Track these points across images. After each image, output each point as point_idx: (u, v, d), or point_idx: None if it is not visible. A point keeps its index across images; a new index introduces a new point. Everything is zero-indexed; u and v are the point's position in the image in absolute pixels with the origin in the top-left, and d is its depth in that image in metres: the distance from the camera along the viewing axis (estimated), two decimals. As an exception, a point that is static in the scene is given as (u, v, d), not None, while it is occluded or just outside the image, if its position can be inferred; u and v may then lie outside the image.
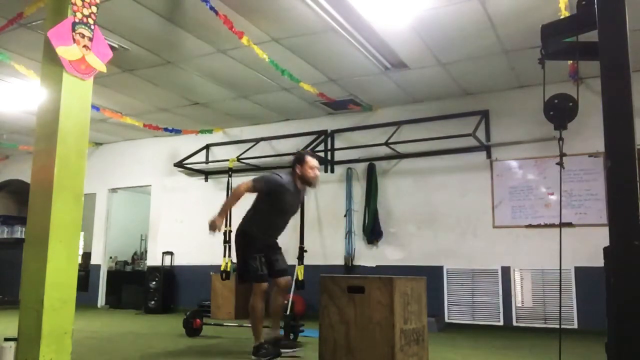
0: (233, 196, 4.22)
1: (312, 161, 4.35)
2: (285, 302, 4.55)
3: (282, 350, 4.19)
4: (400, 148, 7.21)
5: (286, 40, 5.54)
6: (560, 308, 6.15)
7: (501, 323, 6.52)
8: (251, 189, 4.18)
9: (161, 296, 8.54)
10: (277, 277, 4.32)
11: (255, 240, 4.24)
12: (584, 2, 2.50)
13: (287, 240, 7.80)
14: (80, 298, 3.50)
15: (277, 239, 4.50)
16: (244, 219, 4.36)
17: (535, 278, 6.45)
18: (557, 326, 6.05)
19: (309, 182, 4.36)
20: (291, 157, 7.64)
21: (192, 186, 9.07)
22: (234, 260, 6.85)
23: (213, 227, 4.14)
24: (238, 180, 8.10)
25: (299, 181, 4.35)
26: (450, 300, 6.86)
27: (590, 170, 6.30)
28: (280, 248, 4.49)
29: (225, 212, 4.22)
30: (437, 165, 7.21)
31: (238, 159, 7.93)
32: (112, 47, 5.36)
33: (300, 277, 6.29)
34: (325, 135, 7.96)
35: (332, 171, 7.92)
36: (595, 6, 2.19)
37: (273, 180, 4.24)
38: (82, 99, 3.29)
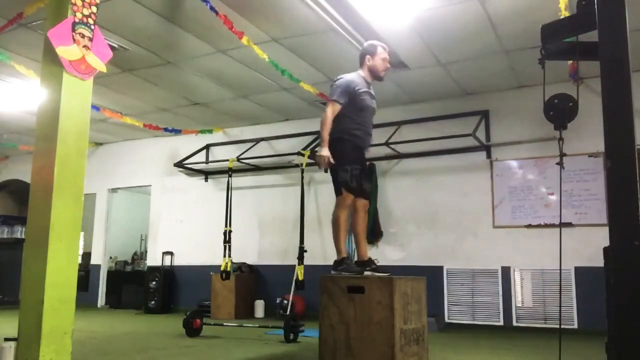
0: (326, 122, 3.86)
1: (383, 52, 4.07)
2: (364, 225, 4.21)
3: (367, 270, 3.89)
4: (400, 148, 7.21)
5: (286, 40, 5.54)
6: (560, 308, 6.15)
7: (501, 323, 6.52)
8: (338, 109, 3.89)
9: (161, 296, 8.54)
10: (360, 197, 4.02)
11: (349, 146, 3.92)
12: (584, 2, 2.50)
13: (287, 240, 7.89)
14: (80, 298, 3.50)
15: (370, 141, 4.17)
16: (333, 129, 3.94)
17: (535, 278, 6.45)
18: (557, 326, 6.05)
19: (378, 76, 4.09)
20: (291, 157, 7.73)
21: (192, 186, 9.07)
22: (234, 260, 6.90)
23: (324, 161, 3.84)
24: (238, 180, 8.17)
25: (368, 75, 4.07)
26: (450, 300, 6.86)
27: (590, 170, 6.30)
28: (366, 172, 4.18)
29: (326, 142, 3.84)
30: (437, 165, 7.21)
31: (238, 159, 7.93)
32: (112, 47, 5.37)
33: (300, 277, 6.29)
34: (325, 135, 7.95)
35: (332, 171, 7.91)
36: (595, 6, 2.19)
37: (348, 85, 3.93)
38: (82, 99, 3.29)
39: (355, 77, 4.01)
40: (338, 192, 3.95)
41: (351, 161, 3.92)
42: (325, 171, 4.05)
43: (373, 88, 4.22)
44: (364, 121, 4.03)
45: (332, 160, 3.86)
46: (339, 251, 3.92)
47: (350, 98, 3.92)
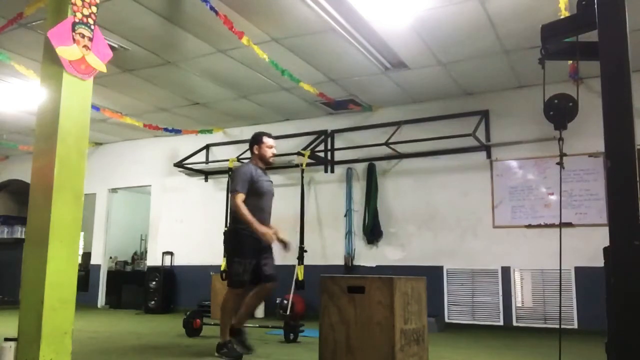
0: (242, 210, 4.16)
1: (268, 140, 4.46)
2: (256, 307, 4.54)
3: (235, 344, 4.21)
4: (400, 148, 7.21)
5: (286, 40, 5.54)
6: (560, 308, 6.15)
7: (501, 323, 6.52)
8: (242, 196, 4.20)
9: (161, 296, 8.54)
10: (261, 282, 4.28)
11: (245, 241, 4.18)
12: (584, 2, 2.50)
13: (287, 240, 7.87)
14: (80, 298, 3.50)
15: (268, 226, 4.39)
16: (232, 217, 4.35)
17: (535, 278, 6.45)
18: (557, 326, 6.05)
19: (267, 161, 4.46)
20: (291, 157, 7.73)
21: (192, 186, 9.07)
22: (227, 259, 6.89)
23: (269, 237, 4.17)
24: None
25: (259, 162, 4.44)
26: (450, 300, 6.86)
27: (590, 170, 6.30)
28: (271, 250, 4.40)
29: (254, 223, 4.14)
30: (437, 165, 7.21)
31: (238, 159, 7.93)
32: (112, 47, 5.37)
33: (300, 277, 6.30)
34: (325, 135, 7.97)
35: (332, 171, 7.93)
36: (595, 6, 2.19)
37: (245, 172, 4.28)
38: (82, 99, 3.28)
39: (251, 167, 4.35)
40: (230, 284, 4.23)
41: (246, 255, 4.18)
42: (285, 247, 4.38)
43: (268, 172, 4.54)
44: (263, 205, 4.35)
45: (277, 234, 4.26)
46: (222, 335, 4.17)
47: (249, 187, 4.23)
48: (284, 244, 4.39)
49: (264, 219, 4.35)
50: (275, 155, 4.54)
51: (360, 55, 5.80)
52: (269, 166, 4.54)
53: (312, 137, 7.92)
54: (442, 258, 6.98)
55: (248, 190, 4.23)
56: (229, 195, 4.35)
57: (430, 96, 7.23)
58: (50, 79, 3.22)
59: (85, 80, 3.27)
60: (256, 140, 4.46)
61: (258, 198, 4.28)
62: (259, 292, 4.32)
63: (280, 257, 8.37)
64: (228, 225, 4.35)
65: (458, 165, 7.08)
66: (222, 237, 6.97)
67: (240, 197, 4.17)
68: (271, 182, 4.54)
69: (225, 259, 4.44)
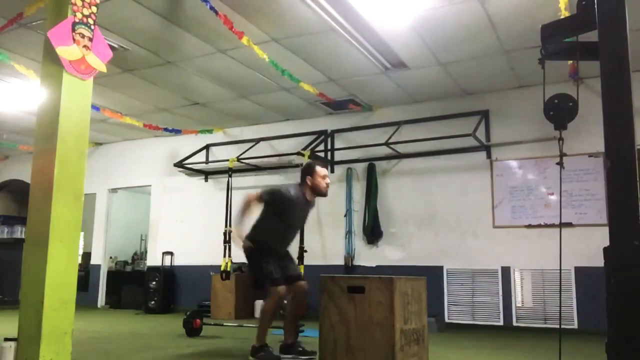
0: (242, 206, 4.11)
1: (322, 170, 4.21)
2: (300, 312, 4.41)
3: (291, 356, 4.11)
4: (400, 148, 7.21)
5: (286, 40, 5.54)
6: (560, 308, 6.15)
7: (501, 323, 6.51)
8: (259, 200, 4.11)
9: (161, 296, 8.54)
10: (291, 283, 4.17)
11: (266, 246, 4.13)
12: (584, 2, 2.50)
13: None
14: (80, 298, 3.50)
15: (285, 247, 4.38)
16: (253, 227, 4.22)
17: (535, 278, 6.45)
18: (557, 326, 6.05)
19: (321, 193, 4.21)
20: (291, 157, 7.73)
21: (192, 186, 9.07)
22: (234, 260, 6.89)
23: (237, 241, 4.11)
24: (238, 181, 8.16)
25: (309, 192, 4.19)
26: (450, 300, 6.86)
27: (590, 170, 6.30)
28: (290, 256, 4.38)
29: (238, 224, 4.09)
30: (437, 165, 7.21)
31: (238, 159, 7.93)
32: (112, 47, 5.36)
33: (300, 277, 6.28)
34: (325, 135, 7.97)
35: (332, 171, 7.92)
36: (595, 6, 2.19)
37: (282, 196, 4.12)
38: (82, 99, 3.29)
39: (295, 196, 4.13)
40: (266, 283, 4.08)
41: (270, 255, 4.09)
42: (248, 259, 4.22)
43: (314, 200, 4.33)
44: (286, 235, 4.27)
45: (242, 240, 4.07)
46: (258, 339, 4.07)
47: (281, 211, 4.11)
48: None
49: (281, 242, 4.28)
50: (328, 187, 4.25)
51: (360, 55, 5.80)
52: (320, 196, 4.28)
53: (312, 137, 7.92)
54: (442, 258, 6.98)
55: (278, 212, 4.12)
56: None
57: (430, 96, 7.23)
58: (50, 79, 3.22)
59: (85, 80, 3.28)
60: (309, 170, 4.21)
61: (282, 224, 4.18)
62: (293, 296, 4.22)
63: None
64: (248, 235, 4.16)
65: (458, 165, 7.08)
66: (222, 237, 7.06)
67: (254, 197, 4.08)
68: (308, 213, 4.37)
69: (251, 269, 4.31)
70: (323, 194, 4.21)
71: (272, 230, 4.18)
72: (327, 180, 4.22)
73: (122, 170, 9.84)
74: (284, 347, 4.20)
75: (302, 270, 6.27)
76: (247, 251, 4.13)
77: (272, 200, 4.13)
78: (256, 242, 4.11)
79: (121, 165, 9.87)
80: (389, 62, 6.03)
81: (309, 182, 4.16)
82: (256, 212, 4.18)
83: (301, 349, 4.15)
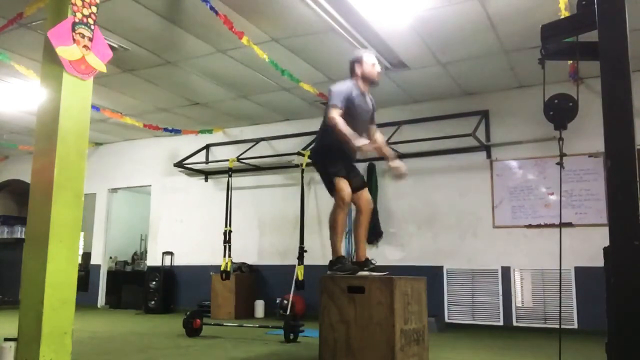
0: (339, 123, 3.79)
1: (370, 58, 4.09)
2: (365, 225, 4.13)
3: (365, 270, 3.91)
4: (400, 148, 7.20)
5: (286, 40, 5.54)
6: (560, 308, 6.15)
7: (501, 323, 6.51)
8: (339, 111, 3.84)
9: (161, 296, 8.54)
10: (356, 192, 3.99)
11: (334, 152, 3.93)
12: (584, 2, 2.50)
13: (287, 241, 7.89)
14: (80, 298, 3.50)
15: (356, 154, 4.12)
16: (317, 138, 4.07)
17: (535, 278, 6.45)
18: (557, 326, 6.05)
19: (372, 80, 4.08)
20: (291, 157, 7.73)
21: (192, 186, 9.07)
22: (234, 260, 6.91)
23: (367, 147, 3.82)
24: (238, 181, 8.17)
25: (361, 82, 4.06)
26: (450, 300, 6.86)
27: (590, 170, 6.30)
28: (356, 167, 4.17)
29: (351, 134, 3.76)
30: (437, 165, 7.21)
31: (238, 159, 7.94)
32: (112, 47, 5.36)
33: (300, 277, 6.30)
34: (325, 135, 7.95)
35: (332, 171, 7.91)
36: (595, 6, 2.19)
37: (342, 88, 3.94)
38: (82, 99, 3.28)
39: (351, 85, 4.02)
40: (332, 187, 3.90)
41: (337, 159, 3.92)
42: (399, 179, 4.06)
43: (371, 92, 4.22)
44: (356, 127, 3.95)
45: (371, 145, 3.86)
46: (334, 251, 3.90)
47: (346, 105, 3.90)
48: (394, 168, 4.07)
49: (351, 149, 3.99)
50: (379, 72, 4.13)
51: (360, 55, 5.79)
52: (374, 85, 4.14)
53: (312, 137, 7.91)
54: (442, 258, 6.98)
55: (344, 108, 3.88)
56: (326, 108, 3.92)
57: (430, 96, 7.23)
58: (50, 79, 3.22)
59: (85, 80, 3.27)
60: (356, 59, 4.07)
61: (351, 119, 3.90)
62: (358, 209, 4.06)
63: (280, 257, 8.40)
64: (314, 144, 4.01)
65: (458, 165, 7.08)
66: (222, 237, 7.06)
67: (336, 112, 3.82)
68: (372, 103, 4.21)
69: (322, 178, 4.06)
70: (375, 81, 4.10)
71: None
72: (378, 67, 4.11)
73: (122, 170, 9.84)
74: (356, 264, 4.01)
75: (302, 270, 6.30)
76: (318, 158, 3.99)
77: (342, 99, 3.90)
78: (324, 149, 3.99)
79: (121, 165, 9.87)
80: (389, 62, 6.03)
81: (358, 72, 4.06)
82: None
83: (373, 266, 3.98)
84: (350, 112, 3.92)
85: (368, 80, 4.07)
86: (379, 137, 4.30)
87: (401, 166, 4.13)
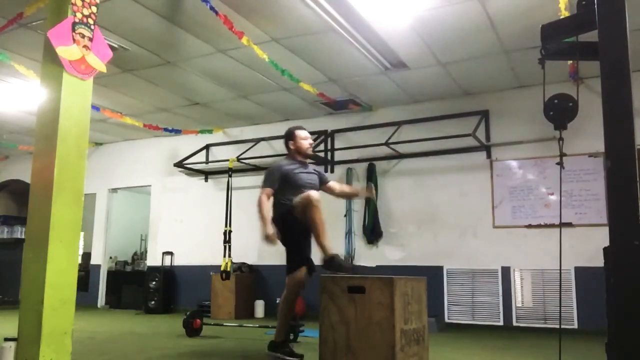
0: (261, 205, 4.08)
1: (301, 132, 4.38)
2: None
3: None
4: (400, 148, 7.21)
5: (286, 40, 5.54)
6: (560, 308, 6.15)
7: (501, 323, 6.51)
8: (269, 193, 4.12)
9: (161, 296, 8.54)
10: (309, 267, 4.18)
11: (296, 218, 4.05)
12: (584, 2, 2.50)
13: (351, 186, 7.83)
14: (80, 298, 3.50)
15: None
16: (273, 207, 4.19)
17: (535, 278, 6.45)
18: (557, 326, 6.05)
19: (305, 154, 4.37)
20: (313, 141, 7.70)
21: (192, 186, 9.07)
22: (234, 260, 6.90)
23: (270, 239, 4.01)
24: (238, 181, 8.16)
25: (297, 156, 4.34)
26: (450, 300, 6.86)
27: (590, 170, 6.30)
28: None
29: (267, 221, 4.03)
30: (437, 165, 7.21)
31: (238, 159, 7.93)
32: (112, 47, 5.37)
33: (300, 277, 6.27)
34: (325, 135, 7.96)
35: (332, 171, 7.92)
36: (595, 6, 2.19)
37: (276, 169, 4.21)
38: (82, 99, 3.29)
39: (283, 163, 4.30)
40: (293, 269, 4.05)
41: (301, 229, 4.07)
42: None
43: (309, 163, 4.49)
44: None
45: (276, 236, 4.04)
46: (279, 333, 4.01)
47: (286, 179, 4.15)
48: (367, 193, 4.50)
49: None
50: (312, 146, 4.43)
51: (360, 55, 5.80)
52: (308, 158, 4.43)
53: (312, 137, 7.91)
54: (442, 258, 6.98)
55: (283, 185, 4.13)
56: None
57: (430, 96, 7.23)
58: (50, 79, 3.22)
59: (85, 80, 3.27)
60: (289, 136, 4.37)
61: (295, 190, 4.11)
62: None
63: (280, 257, 8.39)
64: (272, 216, 4.14)
65: (458, 165, 7.08)
66: (222, 237, 7.06)
67: (265, 193, 4.09)
68: (315, 173, 4.42)
69: (286, 246, 4.20)
70: (307, 154, 4.38)
71: (290, 198, 4.10)
72: (309, 140, 4.40)
73: (122, 170, 9.84)
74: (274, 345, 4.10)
75: (302, 270, 6.27)
76: (279, 230, 4.07)
77: (275, 180, 4.14)
78: (285, 215, 4.09)
79: (121, 165, 9.87)
80: (389, 62, 6.03)
81: (292, 147, 4.35)
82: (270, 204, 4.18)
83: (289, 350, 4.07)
84: (292, 184, 4.16)
85: (302, 154, 4.35)
86: (343, 186, 4.66)
87: (372, 192, 4.71)
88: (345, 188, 4.53)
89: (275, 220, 4.13)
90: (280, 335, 4.01)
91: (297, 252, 4.09)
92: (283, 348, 3.98)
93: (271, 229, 4.02)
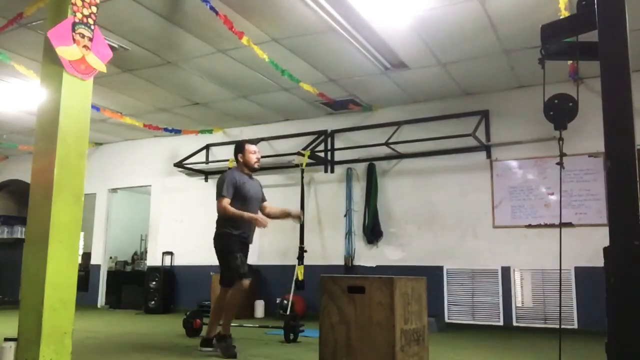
0: (228, 209, 4.34)
1: (251, 147, 4.61)
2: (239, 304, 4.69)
3: (203, 349, 4.49)
4: (400, 148, 7.21)
5: (286, 40, 5.54)
6: (560, 308, 6.15)
7: (501, 323, 6.51)
8: (228, 200, 4.36)
9: (161, 296, 8.54)
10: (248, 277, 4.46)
11: (233, 238, 4.39)
12: (584, 2, 2.50)
13: (287, 241, 7.88)
14: (80, 298, 3.50)
15: (252, 232, 4.58)
16: (217, 222, 4.51)
17: (535, 278, 6.45)
18: (557, 326, 6.05)
19: (252, 167, 4.59)
20: (291, 157, 7.72)
21: (192, 186, 9.07)
22: (219, 260, 6.86)
23: (262, 221, 4.35)
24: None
25: (245, 168, 4.58)
26: (450, 300, 6.86)
27: (590, 170, 6.30)
28: (248, 250, 4.62)
29: (244, 214, 4.35)
30: (437, 165, 7.21)
31: (238, 159, 7.92)
32: (112, 47, 5.37)
33: (300, 277, 6.30)
34: (325, 135, 7.97)
35: (332, 171, 7.93)
36: (595, 6, 2.19)
37: (230, 179, 4.41)
38: (82, 99, 3.29)
39: (235, 173, 4.52)
40: (231, 282, 4.36)
41: (236, 250, 4.38)
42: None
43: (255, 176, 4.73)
44: (249, 210, 4.44)
45: (285, 211, 4.69)
46: (224, 327, 4.35)
47: (234, 191, 4.40)
48: (295, 216, 4.71)
49: (248, 225, 4.49)
50: (259, 161, 4.66)
51: (360, 55, 5.80)
52: (254, 171, 4.67)
53: (312, 137, 7.92)
54: (442, 258, 6.98)
55: (234, 197, 4.39)
56: (216, 201, 4.44)
57: (430, 96, 7.23)
58: (50, 79, 3.22)
59: (85, 80, 3.28)
60: (239, 148, 4.61)
61: (242, 203, 4.41)
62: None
63: (280, 257, 8.41)
64: (216, 229, 4.50)
65: (458, 165, 7.08)
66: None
67: (225, 201, 4.35)
68: (259, 185, 4.69)
69: (219, 261, 4.52)
70: (253, 168, 4.60)
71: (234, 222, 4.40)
72: (257, 155, 4.63)
73: (122, 170, 9.84)
74: (205, 340, 4.52)
75: (302, 270, 6.30)
76: (217, 244, 4.44)
77: (230, 189, 4.38)
78: (223, 236, 4.40)
79: (121, 165, 9.87)
80: (389, 62, 6.03)
81: (241, 159, 4.58)
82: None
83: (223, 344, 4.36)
84: (241, 197, 4.42)
85: (249, 167, 4.59)
86: (274, 208, 4.83)
87: (300, 217, 4.93)
88: (276, 210, 4.79)
89: (218, 233, 4.46)
90: (211, 333, 4.45)
91: (237, 262, 4.35)
92: (223, 340, 4.31)
93: (255, 215, 4.40)
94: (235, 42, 5.38)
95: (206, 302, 7.92)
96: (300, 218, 4.91)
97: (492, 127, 6.93)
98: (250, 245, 4.61)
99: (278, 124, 8.45)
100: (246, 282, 4.31)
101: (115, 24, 5.20)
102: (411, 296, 3.43)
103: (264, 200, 4.73)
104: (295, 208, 4.84)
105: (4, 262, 10.19)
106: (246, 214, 4.32)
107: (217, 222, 4.50)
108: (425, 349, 3.57)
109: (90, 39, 3.27)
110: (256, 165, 4.62)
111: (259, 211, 4.59)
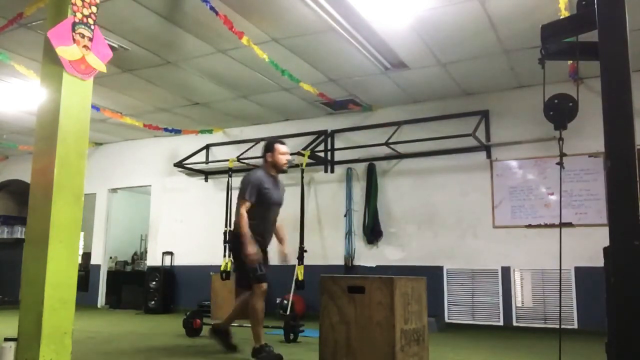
0: (242, 221, 4.12)
1: (281, 147, 4.40)
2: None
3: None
4: (400, 148, 7.21)
5: (286, 40, 5.54)
6: (560, 308, 6.15)
7: (501, 323, 6.51)
8: (249, 205, 4.16)
9: (161, 296, 8.54)
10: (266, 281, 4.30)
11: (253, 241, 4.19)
12: (584, 2, 2.49)
13: (287, 241, 7.86)
14: (80, 298, 3.50)
15: (270, 237, 4.46)
16: (234, 222, 4.32)
17: (535, 278, 6.45)
18: (557, 326, 6.05)
19: (280, 169, 4.41)
20: (291, 157, 7.70)
21: (192, 186, 9.07)
22: (234, 260, 6.86)
23: (253, 258, 4.07)
24: (238, 181, 8.14)
25: (272, 169, 4.38)
26: (450, 300, 6.86)
27: (590, 170, 6.30)
28: (267, 253, 4.46)
29: (247, 239, 4.08)
30: (437, 165, 7.21)
31: (238, 159, 7.93)
32: (112, 47, 5.37)
33: (300, 277, 6.30)
34: (325, 135, 7.96)
35: (332, 171, 7.92)
36: (595, 6, 2.19)
37: (255, 183, 4.22)
38: (82, 99, 3.29)
39: (262, 175, 4.31)
40: (246, 284, 4.19)
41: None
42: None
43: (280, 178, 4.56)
44: (269, 216, 4.32)
45: (258, 256, 4.14)
46: (257, 340, 4.11)
47: (259, 193, 4.19)
48: (281, 251, 4.49)
49: (267, 229, 4.36)
50: (288, 163, 4.47)
51: (360, 55, 5.80)
52: (282, 173, 4.49)
53: (312, 137, 7.92)
54: (442, 258, 6.98)
55: (260, 198, 4.20)
56: (238, 200, 4.23)
57: (430, 96, 7.23)
58: (50, 79, 3.22)
59: (85, 80, 3.28)
60: (269, 147, 4.40)
61: (264, 207, 4.24)
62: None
63: (280, 257, 8.36)
64: (233, 228, 4.29)
65: (458, 165, 7.08)
66: (222, 237, 7.06)
67: (245, 206, 4.14)
68: (283, 189, 4.53)
69: (234, 263, 4.38)
70: (282, 169, 4.41)
71: (256, 216, 4.21)
72: (287, 156, 4.43)
73: (122, 170, 9.84)
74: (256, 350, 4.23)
75: (302, 270, 6.30)
76: (234, 245, 4.23)
77: (255, 194, 4.19)
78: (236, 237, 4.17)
79: (121, 165, 9.87)
80: (389, 62, 6.03)
81: (269, 159, 4.37)
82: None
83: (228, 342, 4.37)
84: (263, 201, 4.22)
85: (277, 168, 4.39)
86: (279, 231, 4.59)
87: (285, 255, 4.57)
88: (279, 234, 4.59)
89: (235, 233, 4.22)
90: (257, 341, 4.12)
91: (256, 270, 4.15)
92: (261, 352, 4.07)
93: (254, 249, 4.08)
94: (235, 42, 5.38)
95: (206, 302, 7.93)
96: (284, 256, 4.57)
97: (492, 127, 6.93)
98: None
99: (278, 124, 8.45)
100: (263, 285, 4.13)
101: (115, 24, 5.20)
102: (411, 296, 3.43)
103: (281, 204, 4.53)
104: (288, 249, 4.58)
105: (4, 262, 10.19)
106: (245, 245, 4.04)
107: (235, 221, 4.32)
108: (425, 349, 3.57)
109: (90, 39, 3.27)
110: (285, 167, 4.42)
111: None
